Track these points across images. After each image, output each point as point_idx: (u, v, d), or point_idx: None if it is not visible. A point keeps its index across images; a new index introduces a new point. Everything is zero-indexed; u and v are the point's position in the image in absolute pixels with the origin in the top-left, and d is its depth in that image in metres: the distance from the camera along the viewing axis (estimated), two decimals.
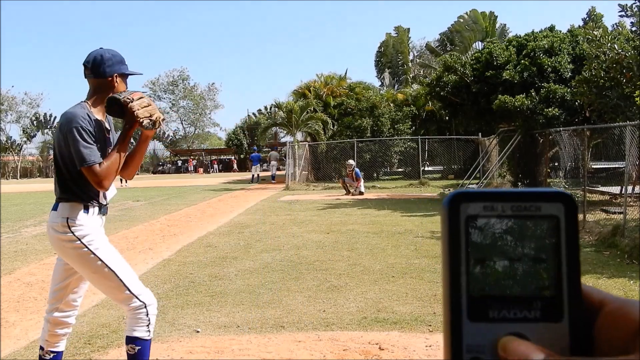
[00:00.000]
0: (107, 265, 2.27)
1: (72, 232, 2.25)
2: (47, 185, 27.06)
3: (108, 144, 2.39)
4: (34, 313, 4.28)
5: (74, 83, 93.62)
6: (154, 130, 2.36)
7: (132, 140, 2.46)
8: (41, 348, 2.49)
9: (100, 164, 2.22)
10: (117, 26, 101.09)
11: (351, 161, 16.54)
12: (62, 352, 2.50)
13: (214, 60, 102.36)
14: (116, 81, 2.36)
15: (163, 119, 2.43)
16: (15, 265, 6.16)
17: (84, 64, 2.37)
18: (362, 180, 16.04)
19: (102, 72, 2.32)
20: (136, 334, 2.32)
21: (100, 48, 2.40)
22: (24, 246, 7.48)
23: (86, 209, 2.31)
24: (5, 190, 21.19)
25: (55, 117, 50.02)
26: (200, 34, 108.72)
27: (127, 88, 2.42)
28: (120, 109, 2.29)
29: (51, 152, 48.01)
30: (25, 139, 46.34)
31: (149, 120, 2.30)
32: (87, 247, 2.25)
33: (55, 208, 2.34)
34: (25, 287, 5.11)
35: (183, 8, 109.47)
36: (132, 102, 2.27)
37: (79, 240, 2.25)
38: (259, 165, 26.64)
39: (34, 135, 47.48)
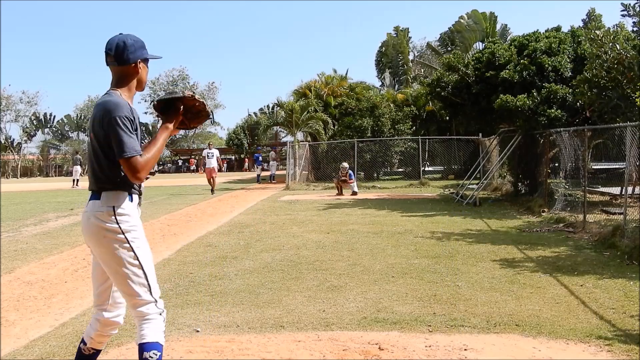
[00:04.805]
0: (140, 265, 2.22)
1: (118, 223, 2.20)
2: (47, 185, 27.06)
3: (140, 135, 2.32)
4: (33, 312, 4.27)
5: (71, 82, 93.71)
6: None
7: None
8: (83, 342, 2.42)
9: (140, 155, 2.15)
10: (117, 26, 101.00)
11: (345, 164, 16.70)
12: (101, 350, 2.47)
13: (214, 60, 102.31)
14: (140, 67, 2.31)
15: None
16: (16, 264, 6.15)
17: (106, 52, 2.28)
18: (354, 181, 16.24)
19: (126, 59, 2.26)
20: (158, 340, 2.21)
21: (120, 34, 2.32)
22: (24, 245, 7.48)
23: (130, 197, 2.27)
24: (6, 189, 21.18)
25: (54, 117, 50.06)
26: (200, 34, 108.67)
27: (148, 73, 2.41)
28: (169, 105, 2.34)
29: (52, 151, 48.07)
30: (25, 139, 46.35)
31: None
32: (128, 242, 2.20)
33: (96, 197, 2.24)
34: (25, 286, 5.11)
35: (183, 8, 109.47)
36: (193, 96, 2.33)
37: (123, 233, 2.20)
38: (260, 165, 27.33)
39: (34, 135, 47.50)
